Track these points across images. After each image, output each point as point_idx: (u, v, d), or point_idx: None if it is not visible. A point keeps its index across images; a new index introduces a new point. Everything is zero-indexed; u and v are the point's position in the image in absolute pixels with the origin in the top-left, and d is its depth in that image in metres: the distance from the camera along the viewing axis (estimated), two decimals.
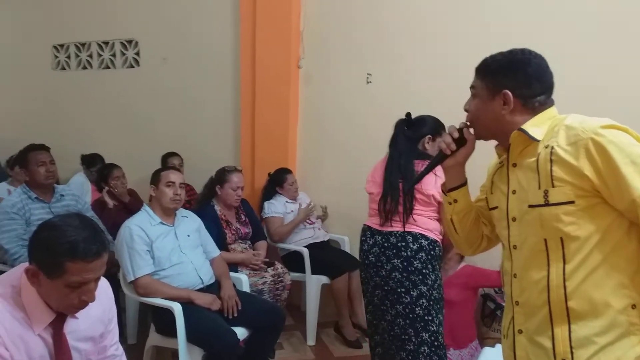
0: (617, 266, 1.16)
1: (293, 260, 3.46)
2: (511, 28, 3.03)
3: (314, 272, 3.39)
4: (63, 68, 5.03)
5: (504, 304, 1.40)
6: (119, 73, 4.72)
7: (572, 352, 1.18)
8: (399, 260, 2.28)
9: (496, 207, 1.36)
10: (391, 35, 3.53)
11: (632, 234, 1.17)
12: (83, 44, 4.89)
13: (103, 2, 4.66)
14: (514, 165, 1.29)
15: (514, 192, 1.29)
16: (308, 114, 3.90)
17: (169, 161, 4.05)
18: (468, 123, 1.38)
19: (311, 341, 3.40)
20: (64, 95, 4.99)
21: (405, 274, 2.27)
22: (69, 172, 4.46)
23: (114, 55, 4.75)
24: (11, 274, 1.46)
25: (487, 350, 1.99)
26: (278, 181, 3.66)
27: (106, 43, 4.77)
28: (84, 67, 4.92)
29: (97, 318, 1.56)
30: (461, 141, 1.39)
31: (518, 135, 1.26)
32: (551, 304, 1.20)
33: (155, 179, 2.75)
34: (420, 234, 2.30)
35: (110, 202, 3.61)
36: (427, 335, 2.25)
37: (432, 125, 2.41)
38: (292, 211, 3.60)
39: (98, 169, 3.99)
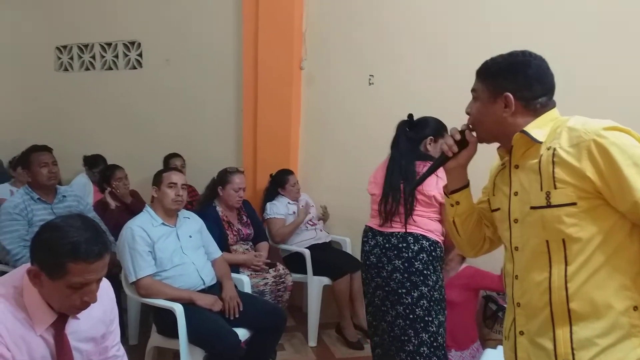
0: (619, 268, 1.16)
1: (294, 262, 3.46)
2: (512, 28, 3.03)
3: (315, 273, 3.39)
4: (66, 69, 5.05)
5: (505, 305, 1.40)
6: (122, 74, 4.74)
7: (573, 354, 1.17)
8: (400, 261, 2.28)
9: (498, 209, 1.36)
10: (393, 37, 3.54)
11: (634, 236, 1.17)
12: (86, 45, 4.90)
13: (106, 4, 4.68)
14: (516, 167, 1.29)
15: (516, 193, 1.29)
16: (310, 115, 3.91)
17: (171, 162, 4.06)
18: (470, 125, 1.38)
19: (312, 342, 3.40)
20: (66, 96, 5.00)
21: (406, 275, 2.27)
22: (72, 173, 4.47)
23: (116, 56, 4.76)
24: (13, 275, 1.46)
25: (488, 351, 1.99)
26: (280, 182, 3.66)
27: (109, 44, 4.78)
28: (87, 69, 4.94)
29: (98, 319, 1.56)
30: (463, 143, 1.39)
31: (520, 137, 1.26)
32: (553, 305, 1.20)
33: (157, 180, 2.76)
34: (421, 235, 2.30)
35: (113, 203, 3.62)
36: (426, 336, 2.25)
37: (434, 127, 2.41)
38: (293, 212, 3.60)
39: (100, 170, 4.00)
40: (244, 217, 3.40)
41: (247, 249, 3.31)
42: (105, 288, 1.57)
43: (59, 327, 1.44)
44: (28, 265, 1.41)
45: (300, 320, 3.64)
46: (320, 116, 3.87)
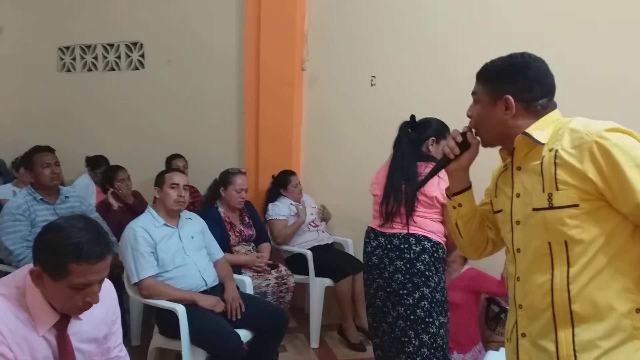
0: (621, 270, 1.16)
1: (297, 263, 3.46)
2: (515, 29, 3.02)
3: (317, 275, 3.39)
4: (68, 70, 5.06)
5: (508, 307, 1.39)
6: (124, 75, 4.75)
7: (575, 356, 1.17)
8: (401, 262, 2.28)
9: (500, 211, 1.36)
10: (396, 38, 3.53)
11: (637, 238, 1.17)
12: (88, 46, 4.92)
13: (108, 5, 4.69)
14: (519, 168, 1.29)
15: (518, 195, 1.28)
16: (312, 116, 3.91)
17: (173, 163, 4.06)
18: (473, 129, 1.38)
19: (315, 344, 3.40)
20: (69, 97, 5.02)
21: (407, 276, 2.26)
22: (74, 174, 4.48)
23: (118, 57, 4.78)
24: (16, 275, 1.46)
25: (491, 353, 1.98)
26: (282, 183, 3.67)
27: (111, 45, 4.79)
28: (89, 69, 4.95)
29: (100, 319, 1.56)
30: (465, 145, 1.39)
31: (522, 139, 1.26)
32: (555, 307, 1.20)
33: (160, 180, 2.76)
34: (423, 236, 2.30)
35: (115, 204, 3.62)
36: (427, 337, 2.24)
37: (436, 128, 2.40)
38: (296, 213, 3.60)
39: (103, 170, 4.00)
40: (246, 218, 3.40)
41: (249, 250, 3.31)
42: (108, 289, 1.57)
43: (61, 327, 1.44)
44: (30, 265, 1.41)
45: (303, 321, 3.64)
46: (322, 117, 3.87)
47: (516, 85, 1.27)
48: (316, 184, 3.91)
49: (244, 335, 2.57)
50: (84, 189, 4.02)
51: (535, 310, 1.24)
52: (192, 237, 2.77)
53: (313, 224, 3.65)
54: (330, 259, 3.50)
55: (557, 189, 1.17)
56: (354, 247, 3.71)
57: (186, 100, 4.42)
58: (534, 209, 1.22)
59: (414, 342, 2.25)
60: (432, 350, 2.25)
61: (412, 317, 2.25)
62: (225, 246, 3.10)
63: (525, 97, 1.27)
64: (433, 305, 2.26)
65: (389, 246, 2.33)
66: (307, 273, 3.39)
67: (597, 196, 1.15)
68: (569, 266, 1.18)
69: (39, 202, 2.88)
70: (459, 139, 1.39)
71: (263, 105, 3.87)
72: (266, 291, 3.11)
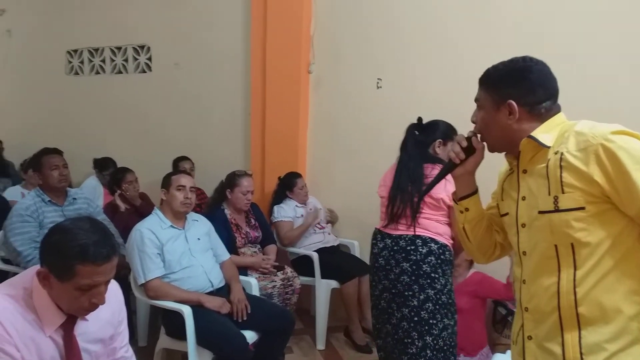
0: (628, 272, 1.15)
1: (303, 265, 3.46)
2: (522, 31, 3.01)
3: (323, 277, 3.38)
4: (76, 73, 5.11)
5: (515, 309, 1.39)
6: (131, 78, 4.78)
7: (582, 359, 1.17)
8: (408, 264, 2.28)
9: (507, 214, 1.36)
10: (402, 40, 3.53)
11: None
12: (96, 50, 4.96)
13: (116, 9, 4.73)
14: (524, 171, 1.29)
15: (523, 198, 1.28)
16: (318, 118, 3.91)
17: (180, 165, 4.08)
18: (478, 135, 1.38)
19: (321, 345, 3.39)
20: (77, 99, 5.06)
21: (413, 278, 2.26)
22: (82, 176, 4.52)
23: (126, 60, 4.81)
24: (23, 276, 1.48)
25: (497, 356, 1.97)
26: (288, 185, 3.67)
27: (119, 48, 4.83)
28: (97, 72, 4.99)
29: (106, 320, 1.57)
30: (470, 150, 1.39)
31: (528, 142, 1.26)
32: (561, 310, 1.19)
33: (166, 182, 2.78)
34: (430, 237, 2.29)
35: (122, 206, 3.64)
36: (430, 338, 2.24)
37: (443, 130, 2.40)
38: (301, 215, 3.60)
39: (111, 172, 4.03)
40: (252, 220, 3.41)
41: (255, 252, 3.31)
42: (114, 290, 1.59)
43: (68, 328, 1.46)
44: (37, 267, 1.42)
45: (309, 323, 3.64)
46: (329, 119, 3.87)
47: (519, 89, 1.26)
48: (322, 186, 3.91)
49: (250, 336, 2.57)
50: (91, 190, 4.05)
51: (542, 312, 1.24)
52: (199, 239, 2.78)
53: (319, 226, 3.65)
54: (336, 261, 3.50)
55: (563, 192, 1.17)
56: (360, 249, 3.70)
57: (193, 102, 4.44)
58: (540, 212, 1.22)
59: (417, 343, 2.25)
60: (435, 352, 2.24)
61: (415, 318, 2.25)
62: (231, 248, 3.11)
63: (528, 101, 1.26)
64: (438, 307, 2.25)
65: (395, 248, 2.33)
66: (313, 275, 3.39)
67: (603, 199, 1.14)
68: (575, 269, 1.18)
69: (47, 203, 2.90)
70: (464, 143, 1.39)
71: (269, 107, 3.88)
72: (272, 293, 3.11)
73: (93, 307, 1.42)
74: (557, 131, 1.24)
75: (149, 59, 4.69)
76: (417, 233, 2.30)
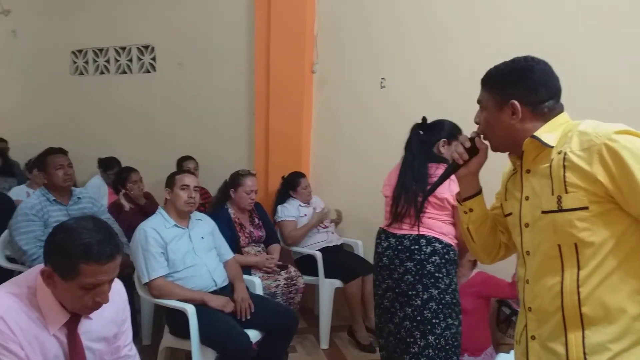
0: (632, 272, 1.15)
1: (306, 264, 3.46)
2: (526, 31, 3.00)
3: (327, 276, 3.39)
4: (81, 73, 5.13)
5: (519, 309, 1.39)
6: (136, 78, 4.80)
7: (585, 359, 1.16)
8: (412, 264, 2.27)
9: (510, 214, 1.36)
10: (406, 39, 3.52)
11: None
12: (101, 50, 4.98)
13: (120, 9, 4.74)
14: (528, 171, 1.28)
15: (527, 198, 1.28)
16: (322, 118, 3.91)
17: (184, 165, 4.09)
18: (482, 135, 1.37)
19: (324, 345, 3.40)
20: (81, 99, 5.08)
21: (417, 277, 2.26)
22: (86, 175, 4.54)
23: (130, 60, 4.83)
24: (27, 275, 1.49)
25: (501, 356, 1.96)
26: (292, 185, 3.67)
27: (123, 48, 4.85)
28: (102, 72, 5.01)
29: (110, 319, 1.58)
30: (473, 151, 1.39)
31: (531, 142, 1.25)
32: (565, 309, 1.19)
33: (170, 182, 2.78)
34: (434, 237, 2.29)
35: (127, 205, 3.65)
36: (432, 338, 2.24)
37: (447, 129, 2.40)
38: (305, 215, 3.60)
39: (116, 172, 4.04)
40: (256, 220, 3.41)
41: (258, 251, 3.32)
42: (118, 289, 1.59)
43: (71, 326, 1.46)
44: (42, 265, 1.43)
45: (312, 322, 3.64)
46: (332, 119, 3.87)
47: (521, 89, 1.26)
48: (326, 186, 3.91)
49: (254, 335, 2.58)
50: (96, 190, 4.07)
51: (545, 312, 1.24)
52: (202, 238, 2.79)
53: (323, 225, 3.65)
54: (339, 260, 3.50)
55: (567, 192, 1.17)
56: (364, 248, 3.70)
57: (197, 102, 4.45)
58: (543, 212, 1.22)
59: (419, 342, 2.24)
60: (437, 352, 2.24)
61: (418, 317, 2.25)
62: (235, 247, 3.11)
63: (531, 101, 1.26)
64: (441, 307, 2.24)
65: (399, 247, 2.32)
66: (316, 274, 3.39)
67: (606, 199, 1.14)
68: (579, 269, 1.17)
69: (52, 203, 2.92)
70: (468, 144, 1.38)
71: (273, 107, 3.89)
72: (276, 292, 3.12)
73: (97, 305, 1.43)
74: (561, 131, 1.23)
75: (153, 59, 4.70)
76: (421, 232, 2.29)
